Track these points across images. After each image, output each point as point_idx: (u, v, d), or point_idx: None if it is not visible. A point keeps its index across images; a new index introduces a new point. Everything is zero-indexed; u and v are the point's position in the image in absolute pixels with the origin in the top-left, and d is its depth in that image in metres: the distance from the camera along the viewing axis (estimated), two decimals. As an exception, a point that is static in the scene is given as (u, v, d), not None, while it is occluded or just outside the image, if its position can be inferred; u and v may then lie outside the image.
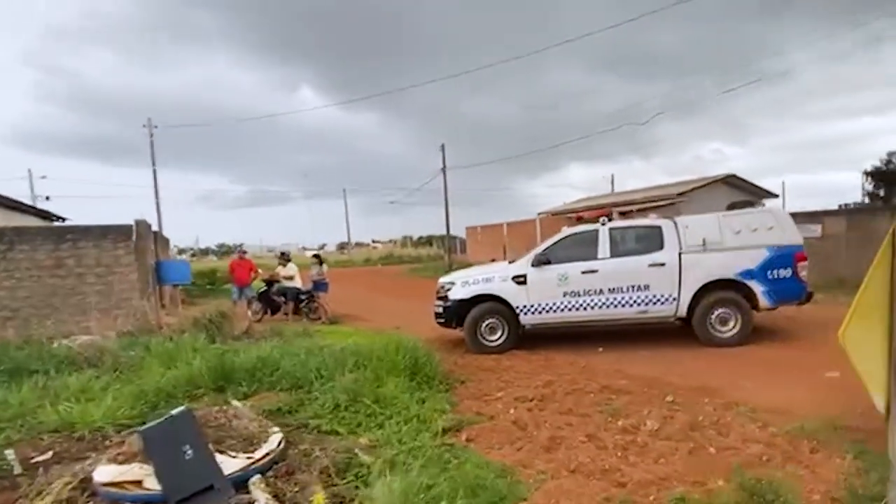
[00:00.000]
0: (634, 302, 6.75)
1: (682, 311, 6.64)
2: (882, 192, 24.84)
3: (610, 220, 7.16)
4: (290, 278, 11.33)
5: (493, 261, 11.90)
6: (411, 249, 50.84)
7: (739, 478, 3.02)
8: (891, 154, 25.21)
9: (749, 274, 6.40)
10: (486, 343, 7.12)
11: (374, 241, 76.77)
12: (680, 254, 6.61)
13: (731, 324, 6.51)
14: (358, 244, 65.24)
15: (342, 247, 63.42)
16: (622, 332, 7.38)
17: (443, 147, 28.34)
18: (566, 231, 7.38)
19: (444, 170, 28.16)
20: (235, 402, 4.60)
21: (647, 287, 6.69)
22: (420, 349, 5.62)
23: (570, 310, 6.95)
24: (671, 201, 17.31)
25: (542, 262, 6.98)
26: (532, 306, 7.01)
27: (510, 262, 7.69)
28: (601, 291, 6.81)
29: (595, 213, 7.58)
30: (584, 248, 7.05)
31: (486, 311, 7.12)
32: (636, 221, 7.33)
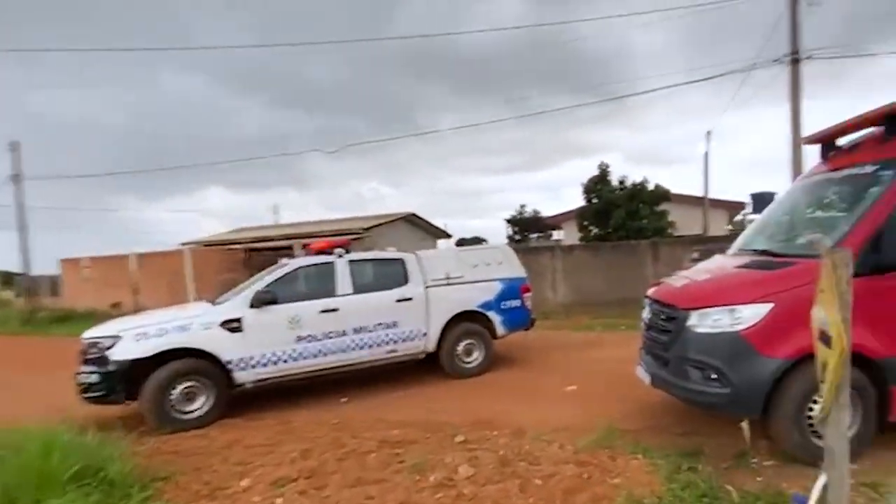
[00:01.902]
0: (384, 341, 6.50)
1: (432, 346, 6.83)
2: (518, 237, 33.58)
3: (348, 251, 6.74)
4: None
5: (118, 304, 9.37)
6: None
7: None
8: (522, 206, 35.03)
9: (488, 305, 7.23)
10: (181, 416, 5.50)
11: None
12: (426, 287, 6.79)
13: (476, 354, 7.16)
14: None
15: None
16: (354, 376, 6.92)
17: (14, 147, 20.39)
18: (294, 263, 6.53)
19: (15, 177, 20.41)
20: None
21: (395, 324, 6.57)
22: (86, 442, 3.99)
23: (306, 357, 6.09)
24: (358, 235, 18.07)
25: (265, 301, 5.92)
26: (253, 358, 5.81)
27: (214, 303, 6.20)
28: (345, 332, 6.27)
29: (327, 244, 7.02)
30: (319, 283, 6.44)
31: (179, 371, 5.51)
32: (377, 254, 7.23)
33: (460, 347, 7.02)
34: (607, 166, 19.74)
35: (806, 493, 3.12)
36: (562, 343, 9.14)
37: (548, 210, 37.68)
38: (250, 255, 17.83)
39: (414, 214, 21.77)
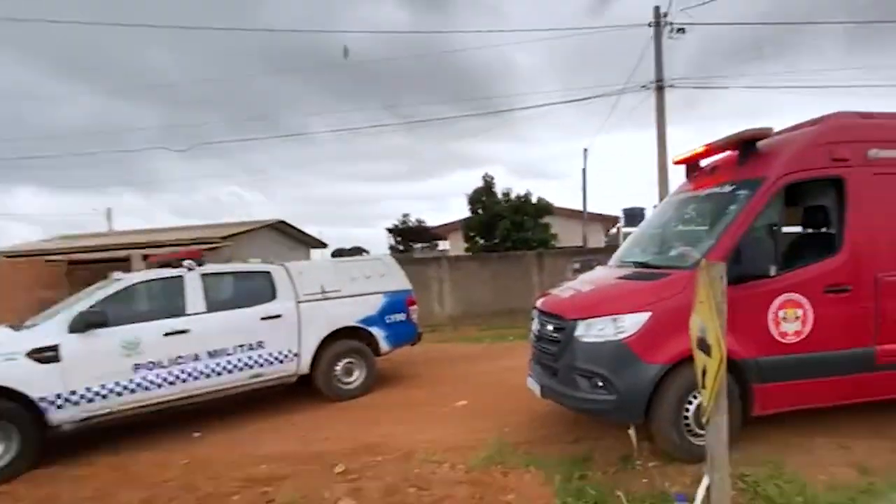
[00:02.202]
0: (246, 364, 5.81)
1: (305, 368, 6.27)
2: (402, 246, 33.01)
3: (201, 263, 5.95)
4: None
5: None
6: None
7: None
8: (405, 215, 34.41)
9: (371, 320, 6.81)
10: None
11: None
12: (298, 303, 6.23)
13: (357, 373, 6.69)
14: None
15: None
16: (213, 407, 6.09)
17: None
18: (131, 278, 5.64)
19: None
20: None
21: (261, 344, 5.92)
22: None
23: (147, 388, 5.23)
24: (214, 245, 16.36)
25: (91, 323, 5.01)
26: (76, 393, 4.87)
27: (18, 328, 5.18)
28: (197, 357, 5.50)
29: (174, 255, 6.17)
30: (163, 301, 5.62)
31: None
32: (238, 266, 6.48)
33: (339, 367, 6.50)
34: (492, 178, 20.28)
35: (685, 489, 3.25)
36: (450, 356, 9.02)
37: (433, 220, 37.88)
38: (74, 268, 15.15)
39: (282, 222, 20.05)
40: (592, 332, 3.82)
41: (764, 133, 4.21)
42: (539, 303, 4.74)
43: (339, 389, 6.48)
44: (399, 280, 7.31)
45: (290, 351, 6.11)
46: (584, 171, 24.50)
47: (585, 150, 24.80)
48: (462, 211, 20.94)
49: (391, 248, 32.46)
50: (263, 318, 5.95)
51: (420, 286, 10.23)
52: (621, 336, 3.70)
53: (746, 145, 4.27)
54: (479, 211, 19.92)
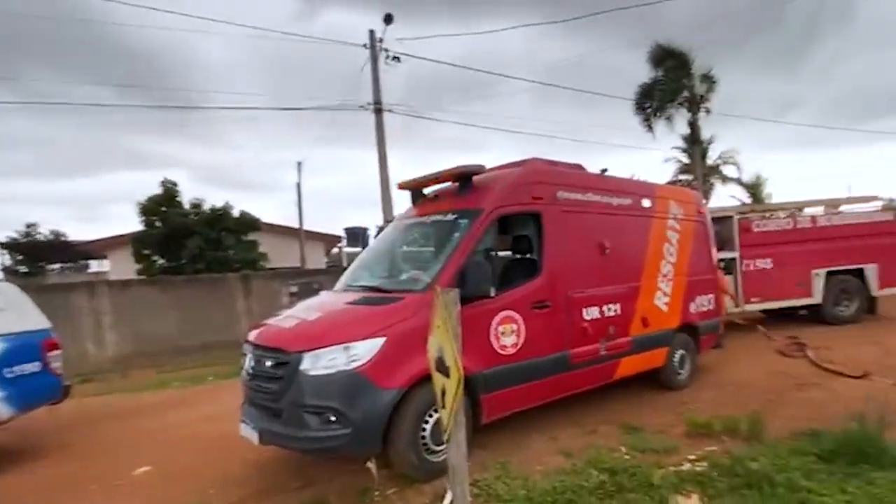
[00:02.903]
0: None
1: None
2: (25, 267, 24.88)
3: None
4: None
5: None
6: None
7: None
8: (30, 225, 26.00)
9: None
10: None
11: None
12: None
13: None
14: None
15: None
16: None
17: None
18: None
19: None
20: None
21: None
22: None
23: None
24: None
25: None
26: None
27: None
28: None
29: None
30: None
31: None
32: None
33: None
34: (174, 184, 17.55)
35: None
36: (120, 412, 7.14)
37: (81, 233, 30.07)
38: None
39: None
40: (321, 363, 3.62)
41: (478, 169, 4.86)
42: (253, 335, 4.31)
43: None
44: (27, 316, 5.44)
45: None
46: (298, 185, 24.01)
47: (300, 163, 24.34)
48: (130, 223, 17.50)
49: (5, 269, 24.79)
50: None
51: (64, 322, 7.98)
52: (355, 364, 3.61)
53: (464, 178, 4.85)
54: (157, 224, 16.97)
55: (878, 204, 11.68)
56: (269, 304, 11.08)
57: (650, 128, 19.17)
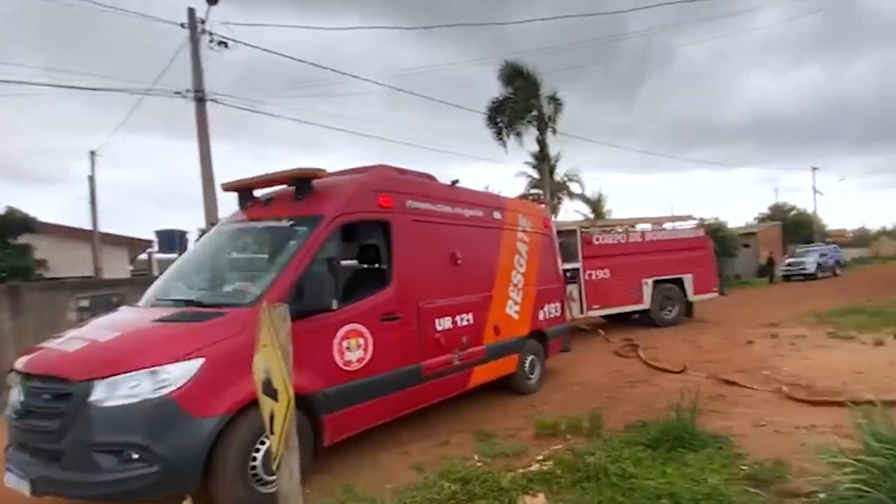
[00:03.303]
0: None
1: None
2: None
3: None
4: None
5: None
6: None
7: None
8: None
9: None
10: None
11: None
12: None
13: None
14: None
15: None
16: None
17: None
18: None
19: None
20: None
21: None
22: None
23: None
24: None
25: None
26: None
27: None
28: None
29: None
30: None
31: None
32: None
33: None
34: None
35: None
36: None
37: None
38: None
39: None
40: (120, 392, 3.17)
41: (319, 173, 4.54)
42: (22, 363, 3.65)
43: None
44: None
45: None
46: (91, 178, 20.56)
47: (93, 152, 20.41)
48: None
49: None
50: None
51: None
52: (164, 391, 3.20)
53: (302, 182, 4.53)
54: None
55: (693, 223, 13.69)
56: (51, 322, 9.10)
57: (503, 142, 20.26)
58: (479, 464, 4.13)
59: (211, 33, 11.75)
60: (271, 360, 2.50)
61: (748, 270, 30.43)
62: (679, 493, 3.29)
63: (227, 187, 5.06)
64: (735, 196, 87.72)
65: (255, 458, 3.50)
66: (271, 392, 2.51)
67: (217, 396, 3.34)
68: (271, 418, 2.53)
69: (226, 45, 11.84)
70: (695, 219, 14.13)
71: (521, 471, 3.89)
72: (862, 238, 56.44)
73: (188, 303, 4.10)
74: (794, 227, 40.90)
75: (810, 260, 28.30)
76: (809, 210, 44.86)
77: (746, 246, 30.75)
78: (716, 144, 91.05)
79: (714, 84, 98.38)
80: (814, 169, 43.99)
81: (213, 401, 3.33)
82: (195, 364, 3.31)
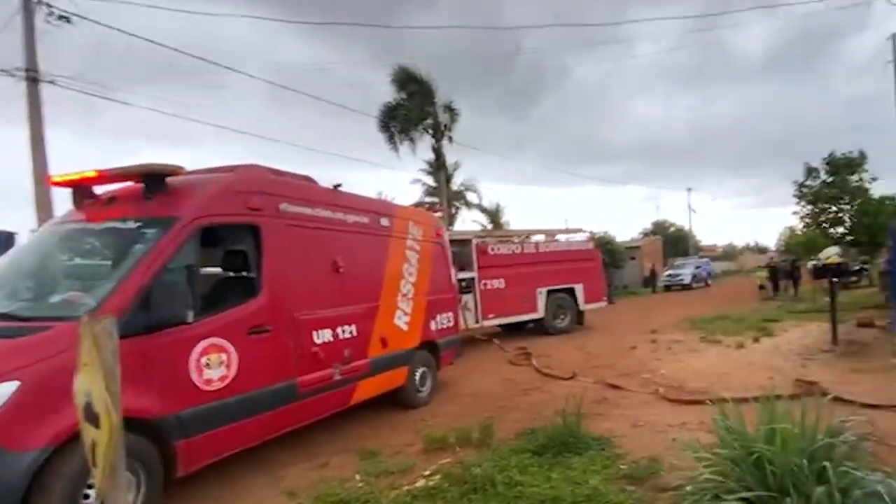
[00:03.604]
0: None
1: None
2: None
3: None
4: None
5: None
6: None
7: None
8: None
9: None
10: None
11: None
12: None
13: None
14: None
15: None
16: None
17: None
18: None
19: None
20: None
21: None
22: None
23: None
24: None
25: None
26: None
27: None
28: None
29: None
30: None
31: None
32: None
33: None
34: None
35: None
36: None
37: None
38: None
39: None
40: None
41: (174, 170, 4.03)
42: None
43: None
44: None
45: None
46: None
47: None
48: None
49: None
50: None
51: None
52: None
53: (154, 180, 3.96)
54: None
55: (585, 235, 14.43)
56: None
57: (395, 148, 20.19)
58: (360, 484, 3.91)
59: (49, 5, 10.41)
60: (92, 382, 2.19)
61: (634, 281, 32.75)
62: (562, 496, 3.32)
63: (57, 182, 4.33)
64: (623, 212, 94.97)
65: (87, 496, 3.01)
66: (93, 418, 2.18)
67: (37, 426, 2.89)
68: (93, 448, 2.21)
69: (68, 19, 10.51)
70: (586, 232, 14.93)
71: (406, 488, 3.74)
72: (730, 253, 63.38)
73: (3, 316, 3.46)
74: (674, 242, 44.96)
75: (686, 272, 31.13)
76: (686, 227, 49.49)
77: (632, 258, 33.14)
78: (607, 162, 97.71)
79: (605, 105, 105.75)
80: (689, 189, 48.42)
81: (31, 431, 2.87)
82: (8, 388, 2.85)
